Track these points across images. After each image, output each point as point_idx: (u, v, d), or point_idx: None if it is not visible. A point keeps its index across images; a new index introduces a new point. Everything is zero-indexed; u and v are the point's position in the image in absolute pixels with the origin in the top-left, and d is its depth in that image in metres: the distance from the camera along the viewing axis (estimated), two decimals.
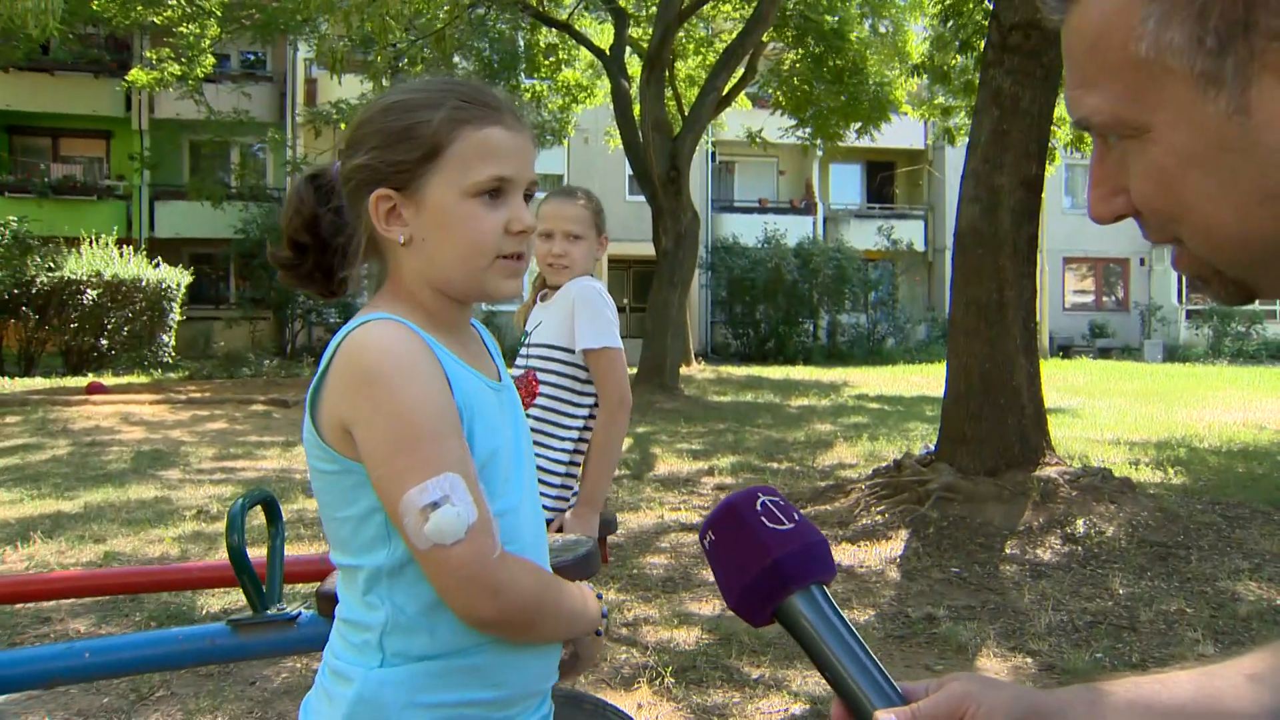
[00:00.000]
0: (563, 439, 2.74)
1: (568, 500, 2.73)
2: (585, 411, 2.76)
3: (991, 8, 7.00)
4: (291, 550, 4.14)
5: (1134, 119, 0.63)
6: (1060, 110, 9.02)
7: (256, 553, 2.01)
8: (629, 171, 20.85)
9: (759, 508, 0.89)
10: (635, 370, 16.08)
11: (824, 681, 0.79)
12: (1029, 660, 4.16)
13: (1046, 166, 6.99)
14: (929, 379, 18.37)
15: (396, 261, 1.26)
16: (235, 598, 4.96)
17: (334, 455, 1.19)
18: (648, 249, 17.44)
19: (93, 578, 2.71)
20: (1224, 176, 0.61)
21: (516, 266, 1.26)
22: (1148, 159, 0.64)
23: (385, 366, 1.15)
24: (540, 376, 2.77)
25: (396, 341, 1.17)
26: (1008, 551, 5.70)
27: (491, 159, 1.22)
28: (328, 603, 2.04)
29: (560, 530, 2.57)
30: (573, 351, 2.72)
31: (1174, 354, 26.77)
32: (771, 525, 0.88)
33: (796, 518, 0.90)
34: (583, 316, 2.70)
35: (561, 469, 2.74)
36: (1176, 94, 0.61)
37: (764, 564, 0.87)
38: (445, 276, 1.25)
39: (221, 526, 6.48)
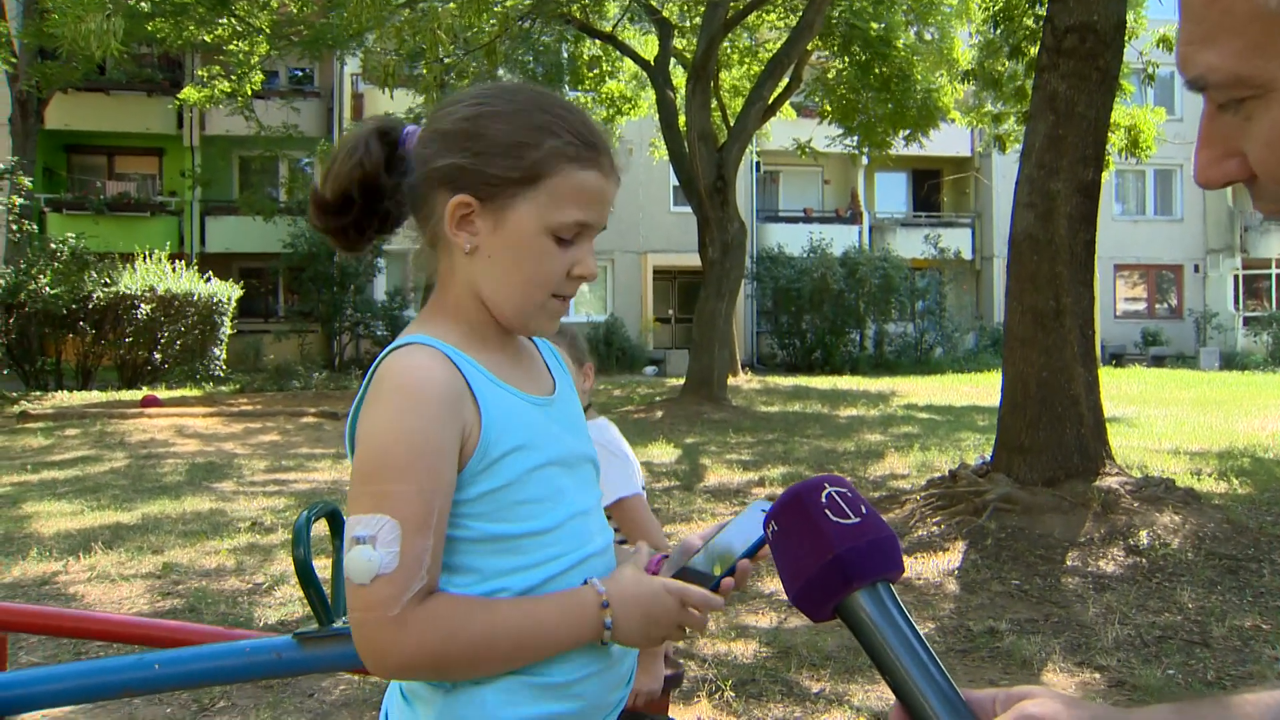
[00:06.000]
0: None
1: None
2: None
3: (1045, 12, 6.89)
4: None
5: (1257, 77, 0.59)
6: (1116, 114, 8.84)
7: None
8: (674, 182, 20.85)
9: (824, 499, 0.85)
10: (683, 380, 16.03)
11: (886, 695, 0.75)
12: (1097, 675, 4.05)
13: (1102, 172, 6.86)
14: (978, 388, 18.13)
15: (451, 265, 1.22)
16: (292, 609, 4.99)
17: None
18: (693, 259, 17.40)
19: (135, 627, 2.54)
20: None
21: (562, 308, 1.24)
22: (1271, 120, 0.59)
23: (393, 393, 1.13)
24: None
25: (417, 372, 1.14)
26: (1069, 563, 5.58)
27: (581, 204, 1.18)
28: None
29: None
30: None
31: (1231, 362, 26.17)
32: (836, 519, 0.84)
33: (864, 510, 0.86)
34: (609, 465, 2.67)
35: None
36: None
37: (826, 559, 0.82)
38: (495, 298, 1.21)
39: (275, 539, 6.53)
